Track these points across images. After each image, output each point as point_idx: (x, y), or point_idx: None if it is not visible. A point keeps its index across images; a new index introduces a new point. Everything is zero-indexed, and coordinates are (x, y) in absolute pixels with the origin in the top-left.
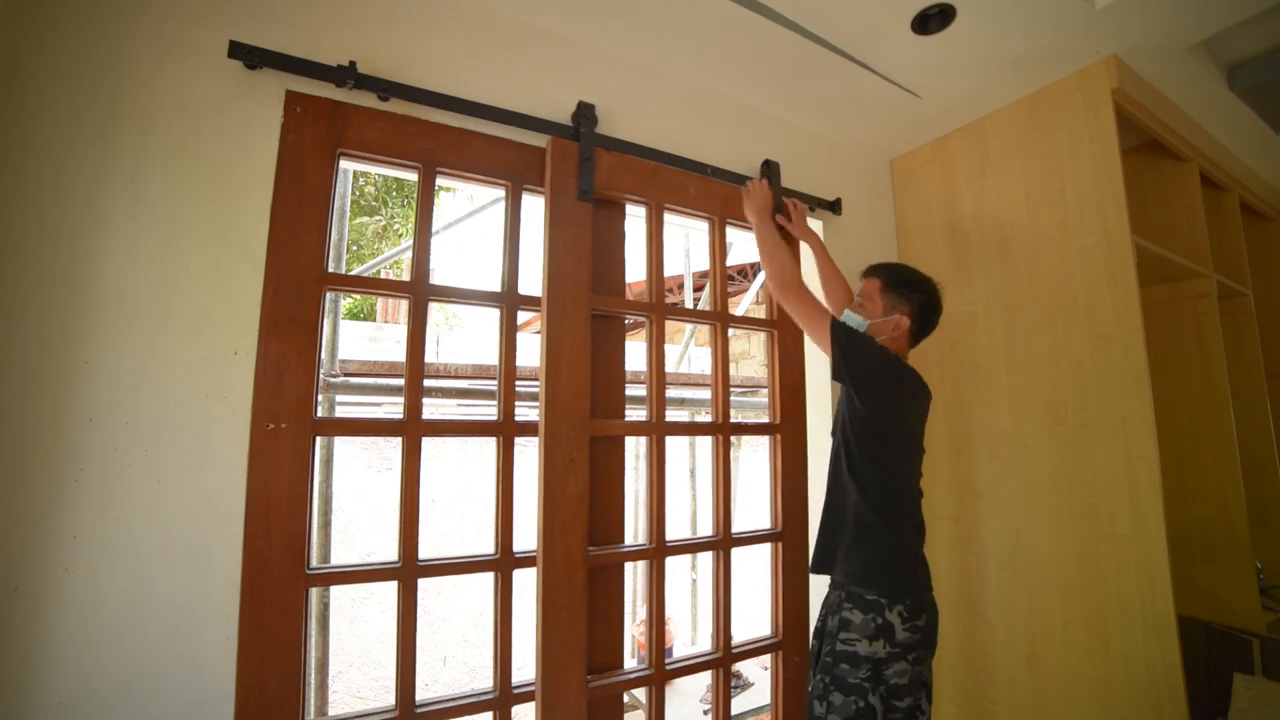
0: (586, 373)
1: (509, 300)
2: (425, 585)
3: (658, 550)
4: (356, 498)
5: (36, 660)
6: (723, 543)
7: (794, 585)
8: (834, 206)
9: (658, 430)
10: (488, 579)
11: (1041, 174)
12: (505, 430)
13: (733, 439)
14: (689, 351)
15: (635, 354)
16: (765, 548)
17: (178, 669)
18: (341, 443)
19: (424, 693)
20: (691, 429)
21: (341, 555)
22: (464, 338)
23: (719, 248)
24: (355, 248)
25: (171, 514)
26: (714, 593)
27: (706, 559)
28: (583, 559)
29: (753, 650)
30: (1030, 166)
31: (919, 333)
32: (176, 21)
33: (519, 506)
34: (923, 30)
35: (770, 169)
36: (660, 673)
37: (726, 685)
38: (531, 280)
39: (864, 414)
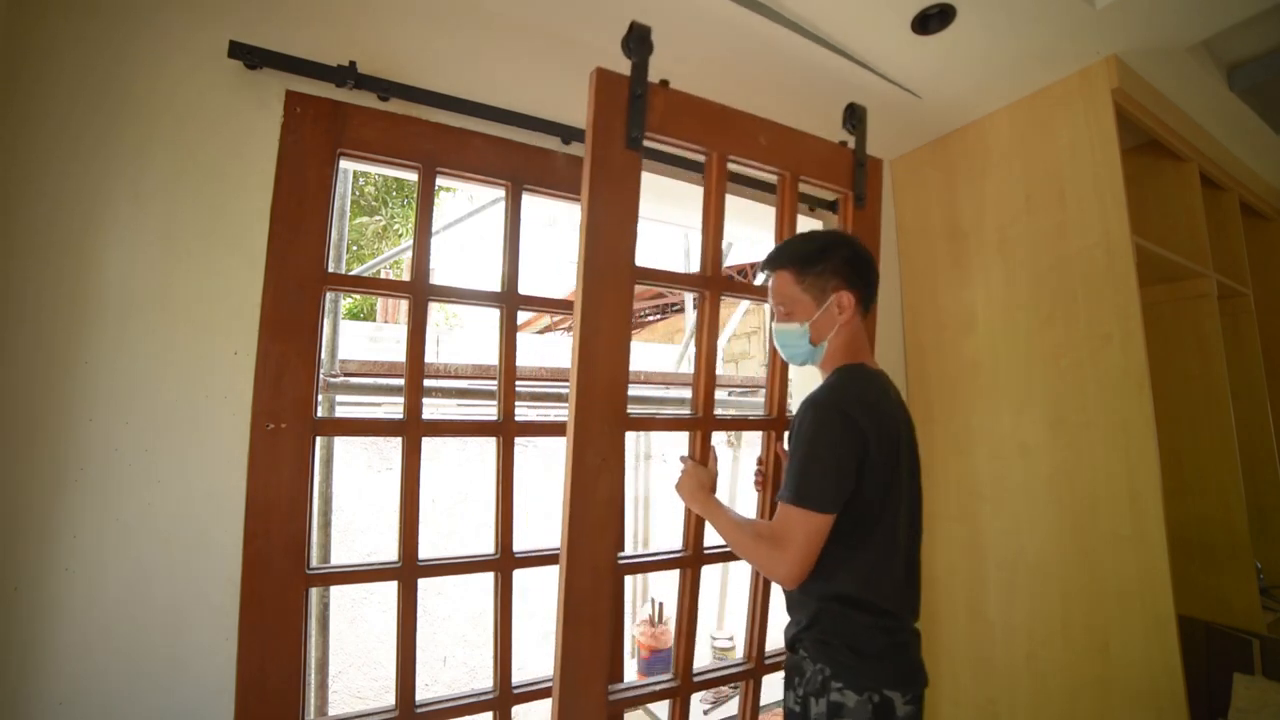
0: (626, 359)
1: (509, 300)
2: (425, 585)
3: (694, 558)
4: (356, 498)
5: (36, 660)
6: None
7: None
8: (834, 206)
9: (704, 426)
10: (488, 579)
11: (1041, 174)
12: (505, 430)
13: (730, 438)
14: (689, 352)
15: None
16: None
17: (178, 669)
18: (341, 443)
19: (424, 693)
20: (741, 425)
21: (341, 555)
22: (464, 338)
23: (789, 209)
24: (355, 248)
25: (171, 514)
26: (750, 599)
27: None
28: (610, 568)
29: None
30: (1030, 166)
31: (867, 297)
32: (177, 22)
33: (519, 507)
34: (923, 30)
35: (856, 114)
36: (687, 684)
37: (755, 698)
38: (531, 280)
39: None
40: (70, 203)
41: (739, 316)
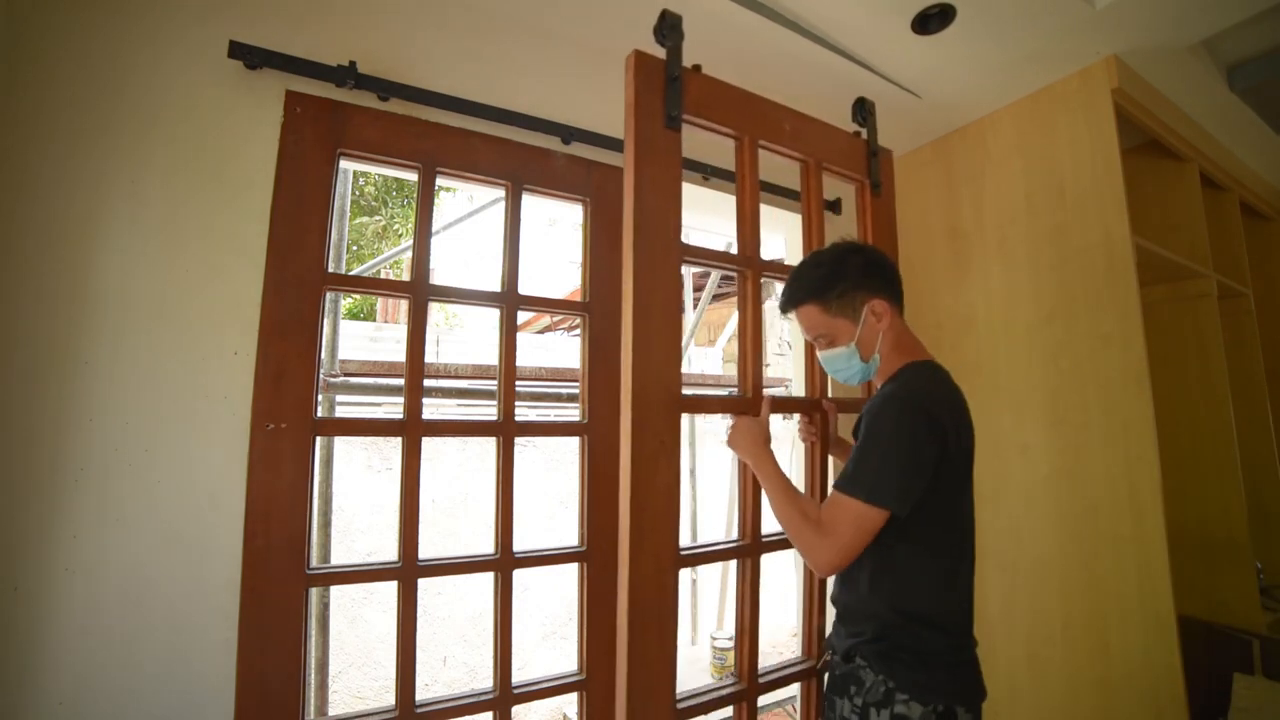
0: (679, 339)
1: (509, 300)
2: (425, 585)
3: (753, 547)
4: (356, 498)
5: (37, 659)
6: None
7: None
8: (834, 206)
9: (754, 408)
10: (488, 579)
11: (1041, 174)
12: (505, 430)
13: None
14: (689, 352)
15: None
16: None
17: (178, 669)
18: (341, 443)
19: (424, 693)
20: (796, 406)
21: (341, 555)
22: (464, 338)
23: (815, 198)
24: (355, 248)
25: (171, 514)
26: (805, 594)
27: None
28: (674, 561)
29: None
30: (1030, 166)
31: (897, 295)
32: (176, 22)
33: (519, 507)
34: (923, 30)
35: (865, 108)
36: (753, 686)
37: (818, 699)
38: (531, 280)
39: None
40: (69, 202)
41: (738, 316)
